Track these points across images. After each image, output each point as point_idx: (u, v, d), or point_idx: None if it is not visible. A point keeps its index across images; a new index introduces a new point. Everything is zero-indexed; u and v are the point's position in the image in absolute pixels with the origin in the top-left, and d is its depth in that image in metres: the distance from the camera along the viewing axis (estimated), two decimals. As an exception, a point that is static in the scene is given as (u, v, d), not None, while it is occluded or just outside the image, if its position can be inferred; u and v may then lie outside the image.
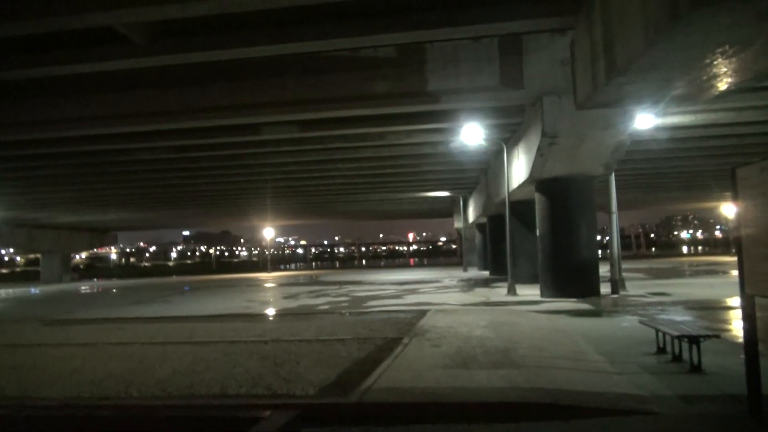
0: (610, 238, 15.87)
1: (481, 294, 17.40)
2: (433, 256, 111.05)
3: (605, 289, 14.99)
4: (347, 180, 26.39)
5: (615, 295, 14.79)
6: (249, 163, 21.36)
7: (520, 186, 16.58)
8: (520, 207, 19.12)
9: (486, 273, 29.58)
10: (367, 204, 37.92)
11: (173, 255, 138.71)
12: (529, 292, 16.53)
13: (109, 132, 15.99)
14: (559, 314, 11.45)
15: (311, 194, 31.48)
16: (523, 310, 12.23)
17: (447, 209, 42.72)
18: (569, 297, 14.25)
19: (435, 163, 23.17)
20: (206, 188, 27.58)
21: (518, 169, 16.32)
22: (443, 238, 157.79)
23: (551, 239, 14.95)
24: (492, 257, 28.00)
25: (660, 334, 7.05)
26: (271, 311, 14.71)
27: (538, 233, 15.50)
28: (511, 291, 16.47)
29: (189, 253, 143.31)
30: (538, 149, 13.50)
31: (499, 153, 19.57)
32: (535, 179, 15.23)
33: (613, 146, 13.77)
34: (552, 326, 9.58)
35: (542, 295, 15.18)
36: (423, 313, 11.77)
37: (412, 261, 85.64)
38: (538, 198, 15.55)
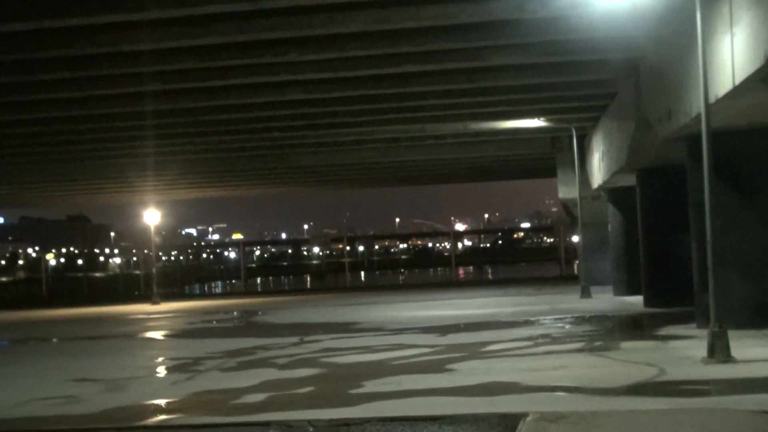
0: None
1: (639, 357, 17.00)
2: (507, 261, 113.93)
3: None
4: (312, 94, 26.27)
5: None
6: (84, 53, 21.33)
7: (737, 91, 15.92)
8: (726, 148, 18.84)
9: (635, 300, 30.06)
10: (363, 153, 38.05)
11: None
12: (764, 350, 16.30)
13: None
14: None
15: (238, 131, 31.96)
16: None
17: (538, 162, 44.25)
18: None
19: (511, 51, 23.02)
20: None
21: (733, 50, 15.52)
22: (526, 225, 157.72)
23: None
24: (649, 264, 28.47)
25: None
26: (120, 417, 13.33)
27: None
28: (719, 349, 15.15)
29: (4, 262, 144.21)
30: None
31: (673, 18, 18.80)
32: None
33: None
34: None
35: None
36: (510, 424, 9.99)
37: (462, 273, 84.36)
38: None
